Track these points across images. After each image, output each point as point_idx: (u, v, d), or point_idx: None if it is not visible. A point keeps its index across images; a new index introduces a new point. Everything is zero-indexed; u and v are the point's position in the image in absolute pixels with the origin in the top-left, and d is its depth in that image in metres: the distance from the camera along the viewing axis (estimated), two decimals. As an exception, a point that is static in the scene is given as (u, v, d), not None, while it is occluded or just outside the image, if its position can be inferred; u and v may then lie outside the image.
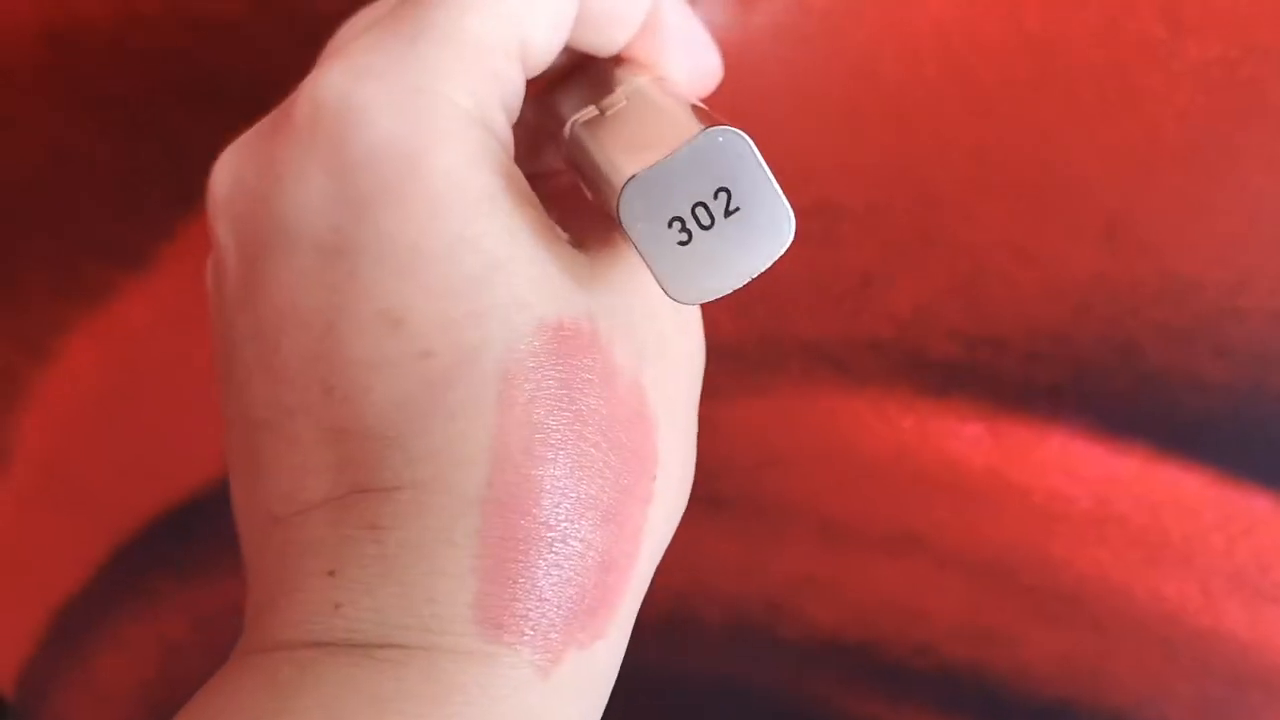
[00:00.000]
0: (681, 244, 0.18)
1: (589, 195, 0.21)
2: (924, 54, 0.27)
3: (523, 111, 0.22)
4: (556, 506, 0.19)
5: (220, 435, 0.29)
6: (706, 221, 0.18)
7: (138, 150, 0.32)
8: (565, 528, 0.19)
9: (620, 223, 0.18)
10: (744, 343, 0.32)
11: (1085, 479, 0.31)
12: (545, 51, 0.21)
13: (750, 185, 0.18)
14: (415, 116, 0.19)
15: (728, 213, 0.18)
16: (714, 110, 0.20)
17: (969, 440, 0.32)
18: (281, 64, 0.30)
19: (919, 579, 0.34)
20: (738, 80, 0.28)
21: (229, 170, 0.21)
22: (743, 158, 0.18)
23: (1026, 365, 0.31)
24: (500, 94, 0.20)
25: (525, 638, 0.19)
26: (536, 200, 0.21)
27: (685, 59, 0.23)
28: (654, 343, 0.21)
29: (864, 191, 0.29)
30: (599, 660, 0.20)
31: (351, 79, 0.19)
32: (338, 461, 0.19)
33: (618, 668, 0.21)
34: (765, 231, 0.19)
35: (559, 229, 0.21)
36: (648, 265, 0.18)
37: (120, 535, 0.38)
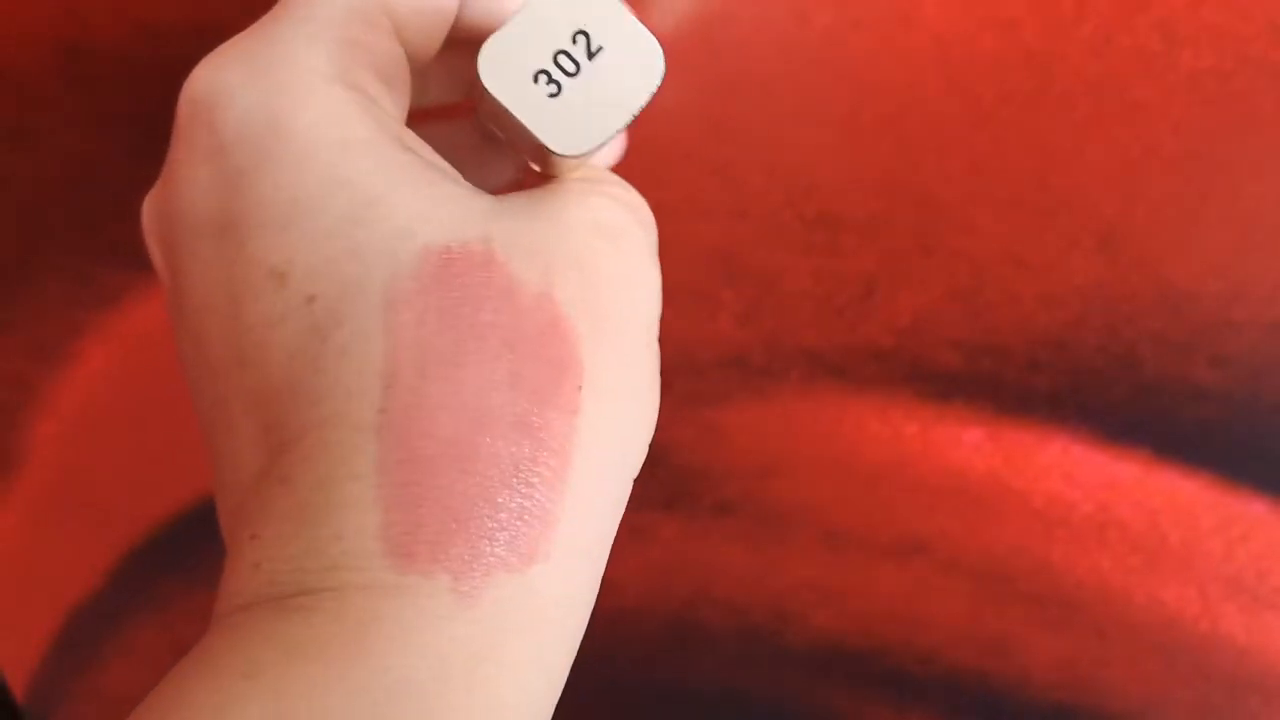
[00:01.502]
0: (553, 96, 0.18)
1: (501, 136, 0.21)
2: (924, 68, 0.28)
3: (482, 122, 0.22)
4: (457, 422, 0.18)
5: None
6: (571, 69, 0.18)
7: (152, 160, 0.32)
8: (470, 442, 0.18)
9: (488, 93, 0.18)
10: (747, 351, 0.32)
11: (1085, 485, 0.32)
12: (420, 22, 0.21)
13: (606, 22, 0.18)
14: (273, 86, 0.20)
15: (590, 54, 0.18)
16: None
17: (970, 447, 0.32)
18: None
19: (922, 585, 0.34)
20: (741, 94, 0.29)
21: (150, 200, 0.22)
22: (649, 81, 0.18)
23: (1027, 373, 0.31)
24: (367, 60, 0.20)
25: (440, 563, 0.18)
26: (428, 151, 0.20)
27: None
28: (568, 259, 0.20)
29: (865, 203, 0.30)
30: (543, 586, 0.19)
31: (214, 69, 0.20)
32: (260, 431, 0.19)
33: (583, 599, 0.20)
34: (635, 65, 0.18)
35: (459, 176, 0.21)
36: (524, 125, 0.18)
37: (131, 540, 0.38)
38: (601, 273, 0.20)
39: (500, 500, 0.18)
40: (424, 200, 0.19)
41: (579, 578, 0.19)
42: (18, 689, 0.41)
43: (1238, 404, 0.30)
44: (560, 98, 0.18)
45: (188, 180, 0.20)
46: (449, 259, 0.19)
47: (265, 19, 0.21)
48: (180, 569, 0.38)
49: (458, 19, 0.22)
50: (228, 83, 0.20)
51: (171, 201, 0.21)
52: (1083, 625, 0.33)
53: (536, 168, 0.21)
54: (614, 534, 0.20)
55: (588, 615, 0.20)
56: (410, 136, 0.21)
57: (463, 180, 0.20)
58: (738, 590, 0.35)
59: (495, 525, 0.18)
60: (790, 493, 0.33)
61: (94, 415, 0.36)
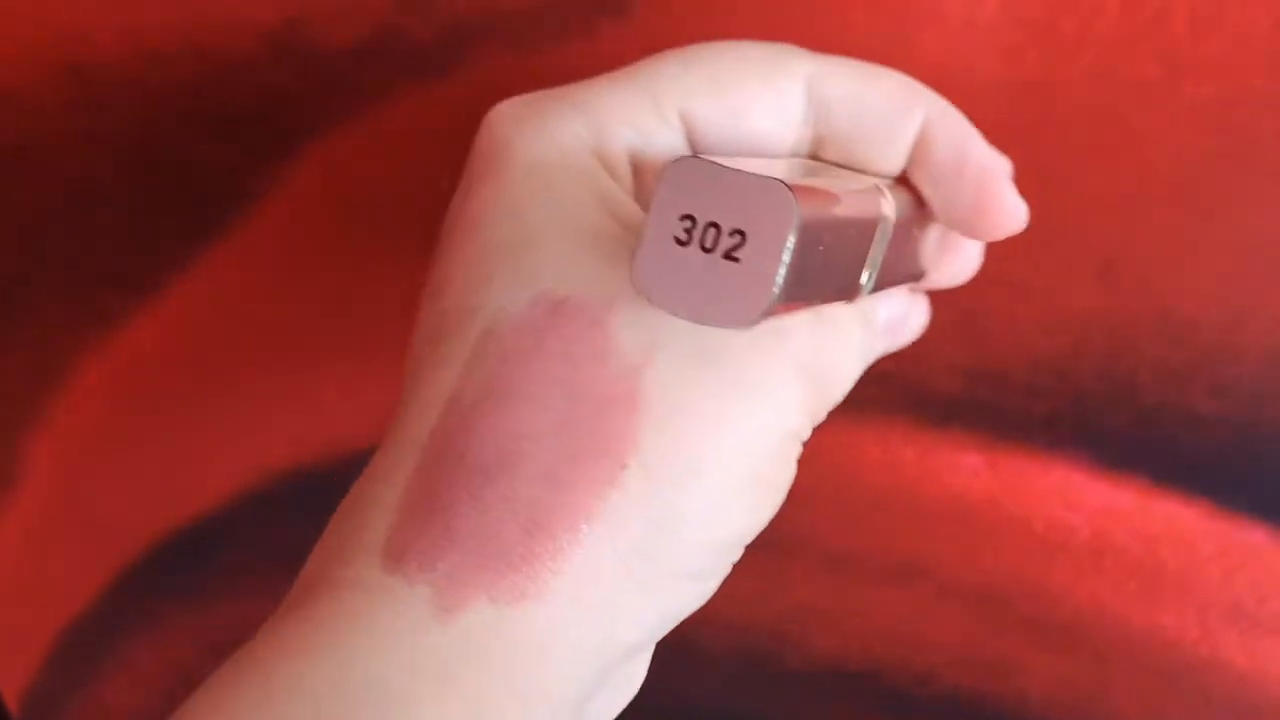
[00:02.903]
0: (679, 241, 0.18)
1: None
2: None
3: None
4: (490, 454, 0.19)
5: (228, 458, 0.29)
6: (710, 244, 0.17)
7: (153, 183, 0.32)
8: (494, 475, 0.19)
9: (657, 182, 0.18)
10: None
11: (1084, 510, 0.32)
12: (713, 135, 0.22)
13: (764, 253, 0.17)
14: (529, 127, 0.21)
15: (728, 254, 0.17)
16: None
17: (969, 472, 0.32)
18: (293, 102, 0.31)
19: (921, 608, 0.34)
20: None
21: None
22: (781, 227, 0.17)
23: (1026, 399, 0.31)
24: (630, 146, 0.21)
25: (424, 574, 0.19)
26: (631, 222, 0.21)
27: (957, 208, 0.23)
28: (693, 353, 0.20)
29: (866, 227, 0.30)
30: (527, 627, 0.19)
31: (510, 102, 0.22)
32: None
33: (577, 653, 0.19)
34: (734, 302, 0.17)
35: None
36: (642, 233, 0.18)
37: (128, 558, 0.38)
38: (716, 374, 0.20)
39: (502, 534, 0.19)
40: (572, 251, 0.20)
41: (573, 631, 0.19)
42: (13, 704, 0.41)
43: (1237, 432, 0.30)
44: (681, 250, 0.18)
45: (463, 175, 0.22)
46: (559, 308, 0.20)
47: (584, 83, 0.22)
48: (176, 587, 0.38)
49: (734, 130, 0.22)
50: (507, 110, 0.22)
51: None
52: (1081, 649, 0.33)
53: None
54: (659, 616, 0.20)
55: (585, 671, 0.20)
56: (631, 211, 0.21)
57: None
58: (738, 611, 0.35)
59: (489, 555, 0.19)
60: (790, 515, 0.33)
61: (92, 434, 0.36)
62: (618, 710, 0.21)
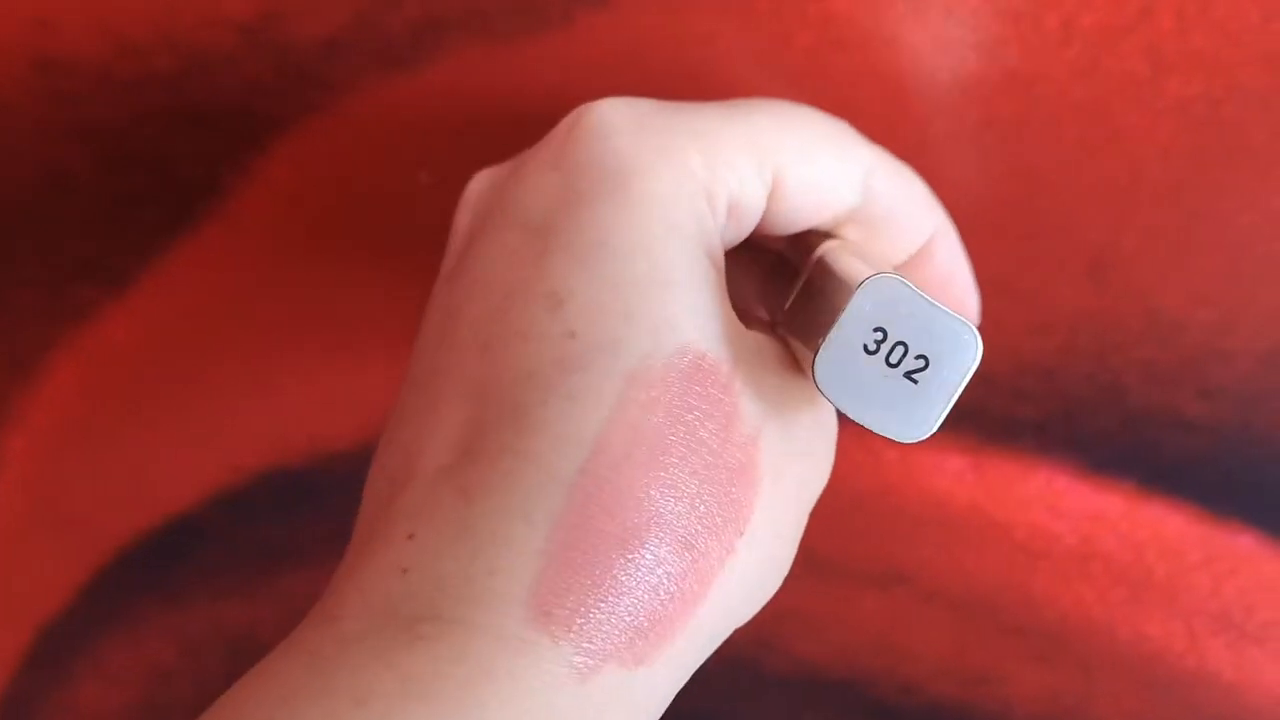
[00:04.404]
0: (867, 350, 0.19)
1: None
2: (907, 91, 0.27)
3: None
4: (638, 514, 0.19)
5: (203, 456, 0.29)
6: (895, 360, 0.19)
7: (124, 176, 0.32)
8: (643, 538, 0.19)
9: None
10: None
11: (1069, 516, 0.31)
12: (789, 200, 0.22)
13: (943, 383, 0.19)
14: (650, 150, 0.21)
15: (909, 374, 0.19)
16: None
17: (953, 475, 0.31)
18: (269, 95, 0.30)
19: (904, 615, 0.33)
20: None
21: (488, 174, 0.24)
22: (963, 365, 0.19)
23: (1011, 401, 0.30)
24: (731, 191, 0.22)
25: (571, 633, 0.19)
26: (721, 270, 0.22)
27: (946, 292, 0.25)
28: (786, 421, 0.21)
29: (849, 225, 0.29)
30: (636, 689, 0.20)
31: (618, 106, 0.22)
32: (463, 423, 0.20)
33: (658, 710, 0.21)
34: (906, 417, 0.19)
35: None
36: (827, 331, 0.20)
37: (103, 557, 0.38)
38: (804, 450, 0.21)
39: (640, 599, 0.19)
40: (701, 302, 0.21)
41: (664, 691, 0.20)
42: (-11, 705, 0.41)
43: (1226, 436, 0.29)
44: (869, 358, 0.19)
45: (536, 175, 0.22)
46: (700, 366, 0.20)
47: (692, 106, 0.22)
48: (152, 587, 0.38)
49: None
50: (617, 122, 0.21)
51: (512, 185, 0.22)
52: (1066, 659, 0.33)
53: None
54: (683, 678, 0.21)
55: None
56: (719, 256, 0.22)
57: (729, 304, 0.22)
58: (717, 617, 0.35)
59: (630, 622, 0.19)
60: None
61: (65, 430, 0.36)
62: None
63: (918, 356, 0.19)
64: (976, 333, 0.19)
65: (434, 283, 0.24)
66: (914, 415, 0.19)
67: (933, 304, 0.19)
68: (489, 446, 0.20)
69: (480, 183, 0.24)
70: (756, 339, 0.22)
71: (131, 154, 0.32)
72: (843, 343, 0.19)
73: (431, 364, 0.22)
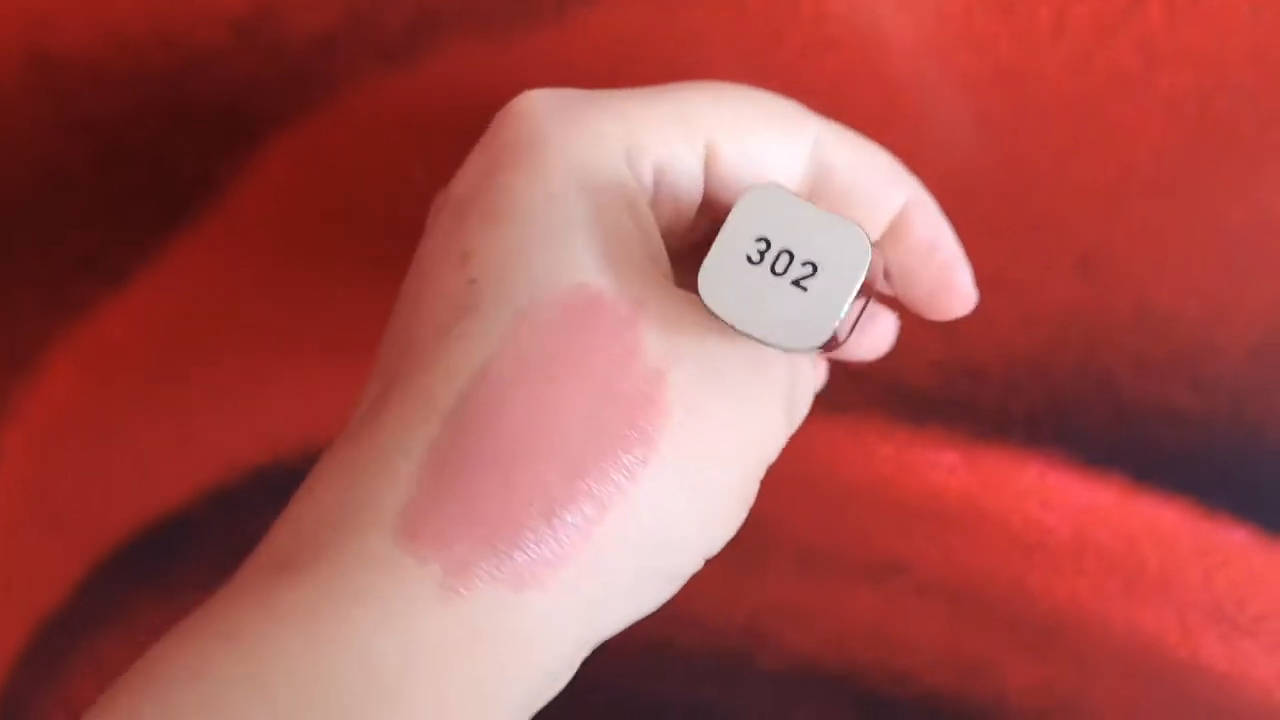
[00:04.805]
0: (750, 260, 0.19)
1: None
2: (898, 85, 0.27)
3: None
4: (518, 437, 0.19)
5: (199, 453, 0.29)
6: (780, 268, 0.19)
7: (121, 171, 0.32)
8: (521, 460, 0.19)
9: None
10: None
11: (1062, 509, 0.31)
12: (727, 170, 0.23)
13: (834, 287, 0.19)
14: (566, 122, 0.22)
15: (797, 281, 0.19)
16: None
17: (946, 469, 0.32)
18: (265, 91, 0.30)
19: (898, 607, 0.34)
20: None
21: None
22: (855, 267, 0.19)
23: (1004, 395, 0.31)
24: (657, 156, 0.22)
25: (438, 553, 0.18)
26: (648, 229, 0.22)
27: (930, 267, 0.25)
28: (709, 363, 0.21)
29: (842, 220, 0.29)
30: (521, 617, 0.19)
31: (545, 93, 0.23)
32: (380, 379, 0.21)
33: (566, 647, 0.20)
34: (796, 326, 0.19)
35: (668, 267, 0.22)
36: (713, 245, 0.19)
37: (99, 553, 0.38)
38: (729, 389, 0.21)
39: (521, 522, 0.19)
40: (610, 252, 0.21)
41: (563, 622, 0.20)
42: (-13, 701, 0.41)
43: (1218, 429, 0.29)
44: (753, 267, 0.19)
45: (468, 163, 0.23)
46: (595, 303, 0.20)
47: (624, 90, 0.23)
48: (149, 582, 0.38)
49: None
50: (544, 103, 0.22)
51: (455, 179, 0.23)
52: (1060, 650, 0.33)
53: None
54: (631, 615, 0.21)
55: (561, 663, 0.20)
56: (641, 214, 0.22)
57: (665, 265, 0.22)
58: (708, 609, 0.35)
59: (505, 542, 0.19)
60: (764, 511, 0.33)
61: (62, 426, 0.36)
62: (540, 705, 0.21)
63: (805, 263, 0.19)
64: (865, 233, 0.19)
65: None
66: (806, 323, 0.19)
67: (815, 210, 0.19)
68: (388, 393, 0.20)
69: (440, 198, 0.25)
70: (683, 295, 0.21)
71: (129, 150, 0.32)
72: (725, 253, 0.19)
73: (385, 337, 0.22)
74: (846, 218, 0.19)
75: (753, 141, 0.23)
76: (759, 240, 0.19)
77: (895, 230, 0.24)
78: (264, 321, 0.34)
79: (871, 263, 0.19)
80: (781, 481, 0.34)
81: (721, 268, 0.19)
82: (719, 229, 0.20)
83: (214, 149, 0.31)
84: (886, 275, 0.25)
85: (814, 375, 0.24)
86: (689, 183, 0.23)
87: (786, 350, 0.19)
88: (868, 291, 0.21)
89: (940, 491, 0.32)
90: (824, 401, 0.32)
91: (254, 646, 0.18)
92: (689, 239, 0.24)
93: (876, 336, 0.28)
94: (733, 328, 0.19)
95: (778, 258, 0.19)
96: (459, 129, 0.30)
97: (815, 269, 0.19)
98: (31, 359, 0.35)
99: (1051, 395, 0.30)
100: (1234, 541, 0.31)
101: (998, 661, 0.33)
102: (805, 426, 0.31)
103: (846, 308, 0.19)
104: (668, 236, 0.23)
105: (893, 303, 0.27)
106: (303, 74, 0.30)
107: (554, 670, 0.20)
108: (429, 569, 0.18)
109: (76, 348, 0.35)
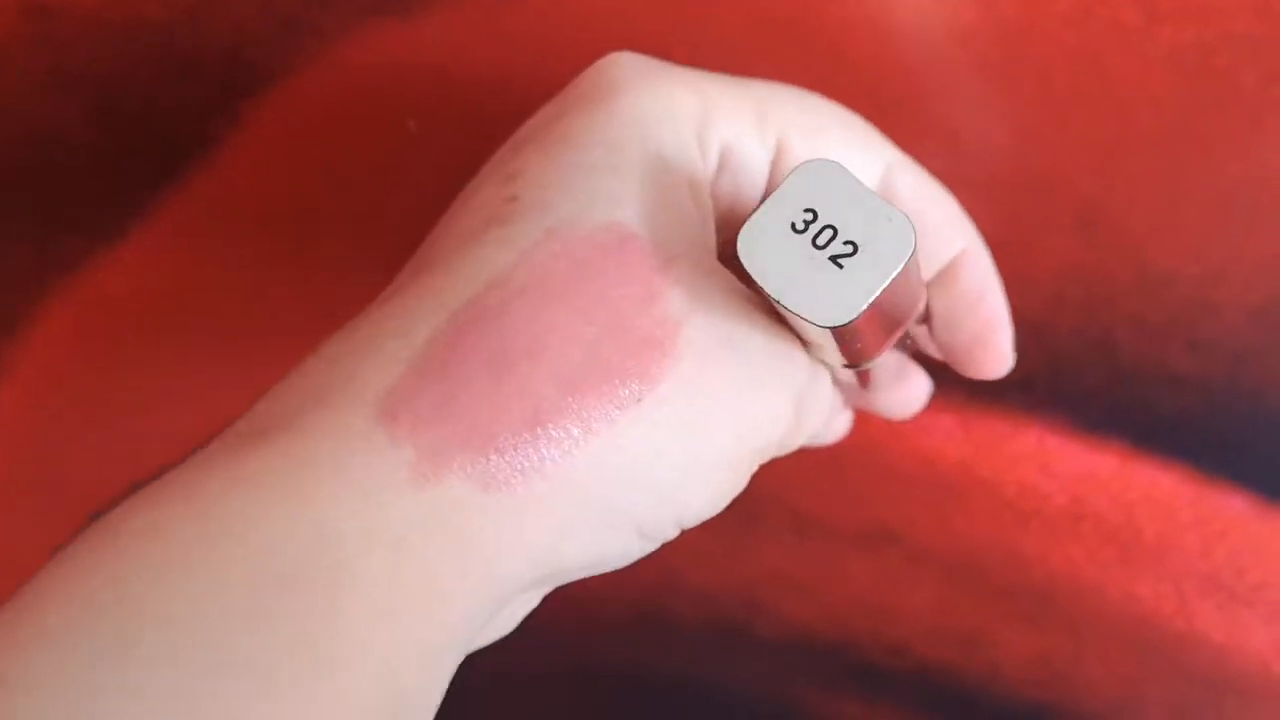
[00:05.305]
0: (794, 228, 0.19)
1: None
2: (898, 38, 0.27)
3: None
4: (517, 343, 0.19)
5: (194, 410, 0.28)
6: (824, 242, 0.19)
7: (115, 126, 0.32)
8: (516, 363, 0.19)
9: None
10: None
11: (1059, 475, 0.31)
12: (751, 159, 0.22)
13: (870, 270, 0.19)
14: (643, 81, 0.21)
15: (835, 258, 0.19)
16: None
17: (942, 434, 0.31)
18: (260, 42, 0.30)
19: (893, 575, 0.33)
20: (717, 65, 0.28)
21: None
22: (895, 256, 0.19)
23: (1001, 358, 0.30)
24: (725, 137, 0.22)
25: (413, 436, 0.18)
26: (704, 209, 0.22)
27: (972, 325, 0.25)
28: (724, 332, 0.20)
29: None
30: (490, 519, 0.19)
31: (629, 55, 0.22)
32: (398, 282, 0.21)
33: (524, 562, 0.19)
34: (825, 301, 0.19)
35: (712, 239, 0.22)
36: (760, 204, 0.19)
37: (92, 511, 0.38)
38: (745, 368, 0.21)
39: (502, 424, 0.19)
40: (655, 203, 0.20)
41: (529, 536, 0.19)
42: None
43: (1216, 393, 0.29)
44: (797, 236, 0.19)
45: (539, 113, 0.23)
46: (625, 244, 0.20)
47: (700, 71, 0.23)
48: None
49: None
50: (625, 63, 0.22)
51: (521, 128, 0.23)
52: (1055, 620, 0.32)
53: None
54: (593, 560, 0.20)
55: (518, 581, 0.19)
56: (706, 199, 0.22)
57: (712, 246, 0.22)
58: (706, 578, 0.35)
59: (482, 435, 0.18)
60: (758, 478, 0.33)
61: (55, 383, 0.36)
62: (490, 641, 0.21)
63: (846, 242, 0.19)
64: (912, 226, 0.19)
65: (422, 229, 0.24)
66: (836, 300, 0.19)
67: (870, 193, 0.19)
68: (402, 286, 0.20)
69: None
70: (728, 275, 0.21)
71: (121, 103, 0.31)
72: (771, 215, 0.19)
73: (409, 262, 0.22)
74: (898, 209, 0.19)
75: (825, 146, 0.23)
76: (807, 211, 0.19)
77: (947, 274, 0.24)
78: (259, 276, 0.33)
79: (911, 270, 0.19)
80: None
81: (764, 228, 0.19)
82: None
83: (208, 101, 0.31)
84: (928, 317, 0.25)
85: (833, 393, 0.24)
86: (753, 174, 0.22)
87: (809, 324, 0.19)
88: (904, 339, 0.21)
89: (935, 457, 0.32)
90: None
91: (208, 507, 0.17)
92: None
93: (909, 396, 0.28)
94: (761, 289, 0.19)
95: (821, 231, 0.19)
96: (454, 82, 0.30)
97: (856, 249, 0.19)
98: (24, 316, 0.35)
99: (1048, 358, 0.30)
100: (1232, 509, 0.30)
101: (993, 632, 0.33)
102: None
103: (878, 293, 0.19)
104: (721, 226, 0.23)
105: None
106: (298, 24, 0.30)
107: (507, 591, 0.20)
108: (402, 452, 0.18)
109: (69, 305, 0.35)
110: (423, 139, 0.29)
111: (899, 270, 0.19)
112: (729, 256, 0.22)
